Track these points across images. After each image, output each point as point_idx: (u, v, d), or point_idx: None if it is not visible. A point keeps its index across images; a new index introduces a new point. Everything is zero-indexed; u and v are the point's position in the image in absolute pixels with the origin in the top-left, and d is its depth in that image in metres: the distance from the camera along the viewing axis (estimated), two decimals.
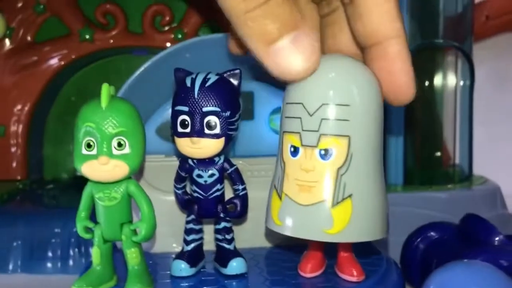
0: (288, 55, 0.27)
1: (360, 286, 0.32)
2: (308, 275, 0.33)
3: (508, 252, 0.35)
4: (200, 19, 0.60)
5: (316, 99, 0.28)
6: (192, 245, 0.34)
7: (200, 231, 0.34)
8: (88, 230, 0.31)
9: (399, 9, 0.29)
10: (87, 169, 0.29)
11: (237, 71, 0.32)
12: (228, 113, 0.31)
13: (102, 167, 0.29)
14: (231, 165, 0.33)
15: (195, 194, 0.34)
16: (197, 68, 0.33)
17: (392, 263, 0.36)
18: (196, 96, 0.31)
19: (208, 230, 0.35)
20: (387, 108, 0.31)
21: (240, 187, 0.34)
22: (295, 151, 0.29)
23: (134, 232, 0.31)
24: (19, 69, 0.60)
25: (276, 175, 0.31)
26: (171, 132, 0.33)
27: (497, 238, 0.36)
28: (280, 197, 0.30)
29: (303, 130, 0.29)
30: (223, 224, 0.34)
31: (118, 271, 0.32)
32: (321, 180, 0.28)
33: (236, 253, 0.34)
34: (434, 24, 0.52)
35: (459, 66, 0.54)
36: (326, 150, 0.28)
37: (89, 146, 0.29)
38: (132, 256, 0.31)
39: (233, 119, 0.32)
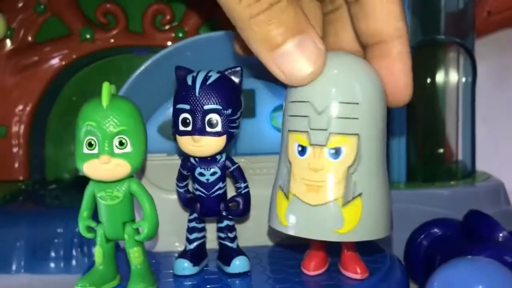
0: (293, 59, 0.27)
1: (364, 283, 0.32)
2: (312, 273, 0.33)
3: None
4: (201, 18, 0.60)
5: (325, 97, 0.28)
6: (195, 243, 0.34)
7: (203, 229, 0.34)
8: (91, 229, 0.31)
9: (403, 8, 0.29)
10: (89, 168, 0.29)
11: (238, 68, 0.32)
12: (229, 111, 0.31)
13: (103, 166, 0.29)
14: (233, 163, 0.33)
15: (197, 193, 0.34)
16: (198, 66, 0.33)
17: (396, 260, 0.36)
18: (197, 94, 0.31)
19: (211, 229, 0.35)
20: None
21: (242, 185, 0.34)
22: (302, 151, 0.29)
23: (137, 231, 0.31)
24: (20, 70, 0.60)
25: (281, 175, 0.30)
26: (173, 130, 0.33)
27: (501, 234, 0.36)
28: (287, 198, 0.29)
29: (311, 129, 0.28)
30: (225, 223, 0.34)
31: (121, 270, 0.32)
32: (331, 180, 0.28)
33: (239, 252, 0.34)
34: (435, 20, 0.52)
35: (461, 62, 0.54)
36: (336, 149, 0.28)
37: (90, 145, 0.29)
38: (135, 255, 0.31)
39: (235, 117, 0.32)
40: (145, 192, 0.31)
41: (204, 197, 0.33)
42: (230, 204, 0.34)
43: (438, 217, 0.42)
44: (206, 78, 0.31)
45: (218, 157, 0.33)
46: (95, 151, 0.29)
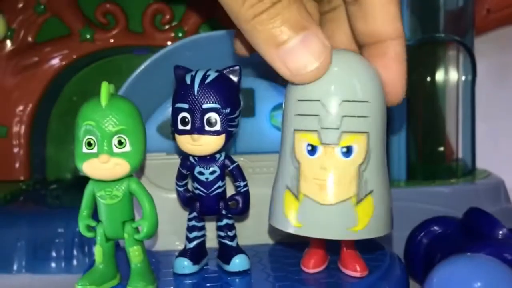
0: (298, 55, 0.27)
1: (364, 281, 0.32)
2: (311, 271, 0.33)
3: None
4: (201, 17, 0.60)
5: (337, 96, 0.28)
6: (195, 242, 0.34)
7: (203, 228, 0.34)
8: (90, 228, 0.31)
9: (400, 9, 0.29)
10: (88, 167, 0.29)
11: (237, 67, 0.32)
12: (228, 110, 0.31)
13: (102, 165, 0.29)
14: (232, 162, 0.33)
15: (197, 192, 0.34)
16: (197, 65, 0.33)
17: (396, 258, 0.36)
18: (196, 93, 0.31)
19: (211, 227, 0.35)
20: None
21: (242, 183, 0.34)
22: (313, 150, 0.28)
23: (136, 230, 0.31)
24: (21, 70, 0.60)
25: (287, 175, 0.29)
26: (172, 129, 0.33)
27: (500, 232, 0.36)
28: (297, 198, 0.29)
29: (322, 128, 0.28)
30: (225, 221, 0.34)
31: (121, 269, 0.32)
32: (344, 178, 0.28)
33: (238, 250, 0.34)
34: (435, 18, 0.52)
35: (460, 60, 0.54)
36: (348, 148, 0.28)
37: (89, 144, 0.29)
38: (135, 254, 0.31)
39: (233, 116, 0.32)
40: (144, 191, 0.31)
41: (204, 196, 0.33)
42: (229, 203, 0.34)
43: (438, 215, 0.42)
44: (204, 77, 0.31)
45: (218, 156, 0.33)
46: (94, 150, 0.29)
